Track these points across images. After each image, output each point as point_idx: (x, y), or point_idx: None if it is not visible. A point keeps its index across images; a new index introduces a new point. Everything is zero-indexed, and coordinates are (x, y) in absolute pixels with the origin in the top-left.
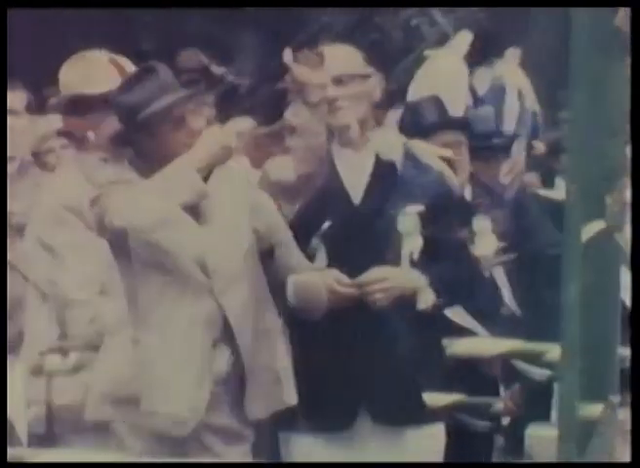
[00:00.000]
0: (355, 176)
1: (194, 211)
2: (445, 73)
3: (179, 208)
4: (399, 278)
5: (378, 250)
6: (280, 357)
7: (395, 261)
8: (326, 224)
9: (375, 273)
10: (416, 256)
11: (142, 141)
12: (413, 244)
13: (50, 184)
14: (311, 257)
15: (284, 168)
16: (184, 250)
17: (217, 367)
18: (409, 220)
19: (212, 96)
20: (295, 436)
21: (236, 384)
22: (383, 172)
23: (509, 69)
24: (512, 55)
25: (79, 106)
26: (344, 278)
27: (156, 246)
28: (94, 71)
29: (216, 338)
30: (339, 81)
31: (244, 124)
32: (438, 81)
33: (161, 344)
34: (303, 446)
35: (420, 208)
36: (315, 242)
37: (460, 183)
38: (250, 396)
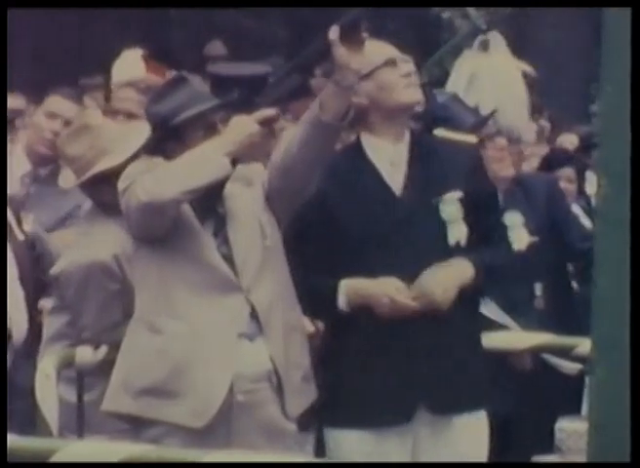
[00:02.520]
0: (393, 168)
1: (217, 212)
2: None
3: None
4: (455, 273)
5: (423, 242)
6: (305, 354)
7: (441, 252)
8: None
9: (430, 278)
10: (463, 243)
11: (173, 148)
12: (458, 231)
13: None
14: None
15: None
16: (210, 240)
17: (240, 361)
18: (450, 208)
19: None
20: (342, 432)
21: (274, 381)
22: (420, 160)
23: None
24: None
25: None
26: (405, 288)
27: (181, 224)
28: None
29: (241, 333)
30: (392, 63)
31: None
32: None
33: (185, 334)
34: (353, 441)
35: (460, 194)
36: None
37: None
38: (287, 393)
